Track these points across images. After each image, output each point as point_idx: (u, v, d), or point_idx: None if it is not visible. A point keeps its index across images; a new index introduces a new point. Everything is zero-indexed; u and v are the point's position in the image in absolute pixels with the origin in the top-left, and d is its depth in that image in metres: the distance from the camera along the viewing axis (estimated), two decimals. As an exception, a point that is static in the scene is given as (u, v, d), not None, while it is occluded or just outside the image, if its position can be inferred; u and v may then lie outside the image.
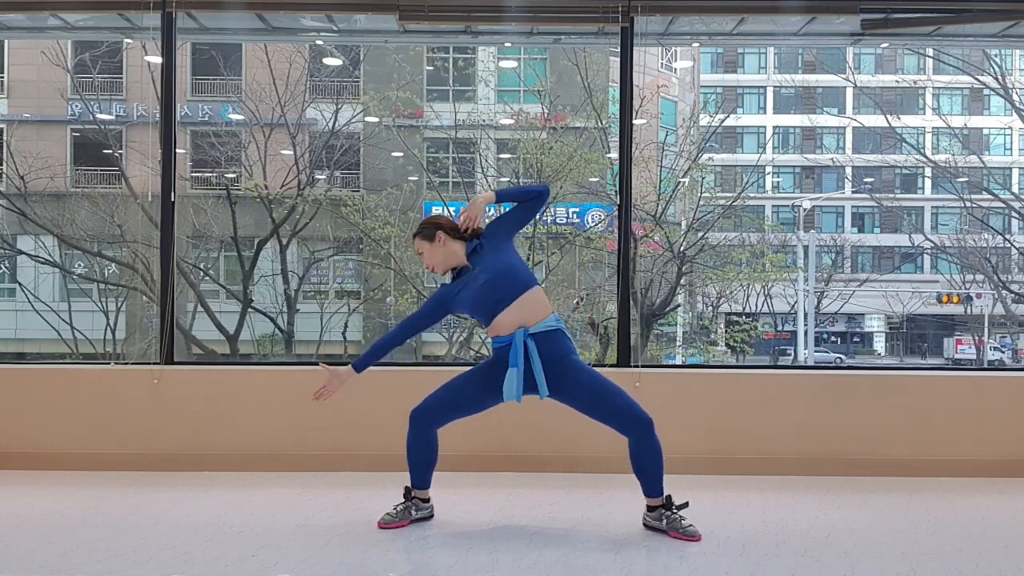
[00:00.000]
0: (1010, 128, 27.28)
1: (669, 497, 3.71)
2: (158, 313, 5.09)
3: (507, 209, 3.87)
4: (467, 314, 3.80)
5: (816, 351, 24.77)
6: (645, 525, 3.78)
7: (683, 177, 16.04)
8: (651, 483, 3.70)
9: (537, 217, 13.53)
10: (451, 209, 14.79)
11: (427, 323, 3.79)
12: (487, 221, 3.87)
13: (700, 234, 16.12)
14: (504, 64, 16.34)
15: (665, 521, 3.68)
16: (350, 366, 3.81)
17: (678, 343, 18.56)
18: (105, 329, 14.56)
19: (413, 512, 3.83)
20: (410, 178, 15.76)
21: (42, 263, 15.14)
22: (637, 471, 3.70)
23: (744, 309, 21.12)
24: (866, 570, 3.32)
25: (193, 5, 5.16)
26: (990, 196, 19.94)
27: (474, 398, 3.76)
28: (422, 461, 3.80)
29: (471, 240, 3.78)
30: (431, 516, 3.88)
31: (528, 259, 14.10)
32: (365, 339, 17.24)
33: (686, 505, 3.73)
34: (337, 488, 4.48)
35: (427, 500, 3.88)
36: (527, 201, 3.81)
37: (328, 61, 15.30)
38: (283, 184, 14.49)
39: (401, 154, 16.00)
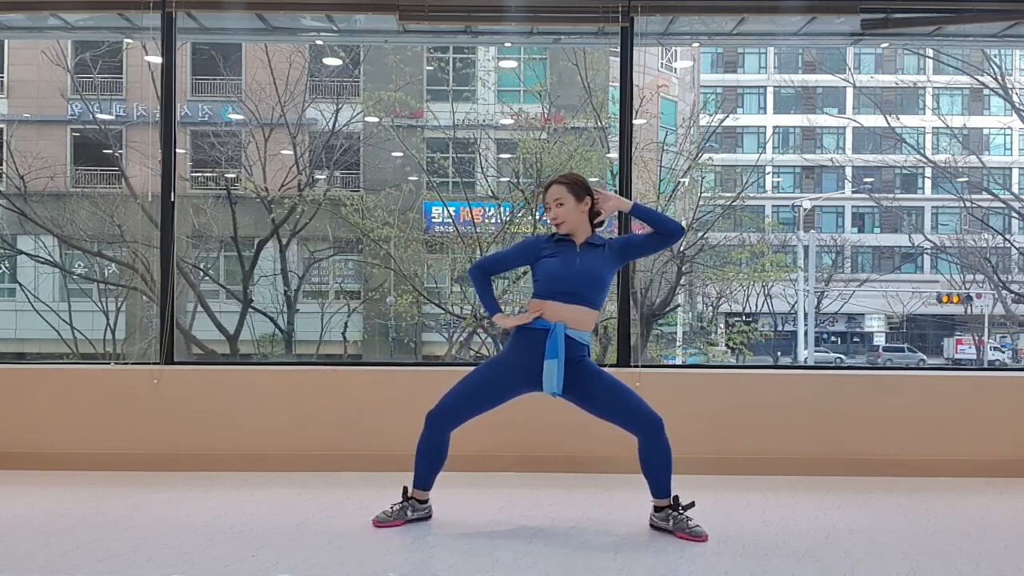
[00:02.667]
0: (1010, 128, 27.29)
1: (676, 498, 3.72)
2: (158, 313, 5.09)
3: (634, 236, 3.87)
4: (537, 276, 3.73)
5: (816, 351, 24.78)
6: (652, 526, 3.78)
7: (683, 177, 16.04)
8: (659, 484, 3.71)
9: (538, 217, 13.65)
10: (451, 209, 14.80)
11: (513, 263, 3.82)
12: (610, 234, 3.88)
13: (700, 234, 16.12)
14: (504, 64, 16.34)
15: (672, 522, 3.69)
16: (492, 316, 3.77)
17: (678, 343, 18.56)
18: (105, 329, 14.56)
19: (409, 512, 3.83)
20: (410, 178, 15.76)
21: (42, 263, 15.15)
22: (645, 471, 3.71)
23: (744, 309, 21.12)
24: (866, 570, 3.32)
25: (193, 5, 5.16)
26: (990, 196, 19.95)
27: (492, 395, 3.74)
28: (431, 463, 3.79)
29: (595, 231, 3.78)
30: (429, 517, 3.88)
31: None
32: (365, 339, 17.25)
33: (692, 505, 3.73)
34: (337, 488, 4.48)
35: (425, 501, 3.87)
36: (659, 234, 3.77)
37: (328, 61, 15.30)
38: (283, 184, 14.50)
39: (401, 154, 16.00)
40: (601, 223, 3.82)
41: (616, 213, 3.85)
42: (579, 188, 3.76)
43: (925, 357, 26.85)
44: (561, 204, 3.73)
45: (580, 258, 3.69)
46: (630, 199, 4.39)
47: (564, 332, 3.63)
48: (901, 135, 21.68)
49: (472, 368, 3.87)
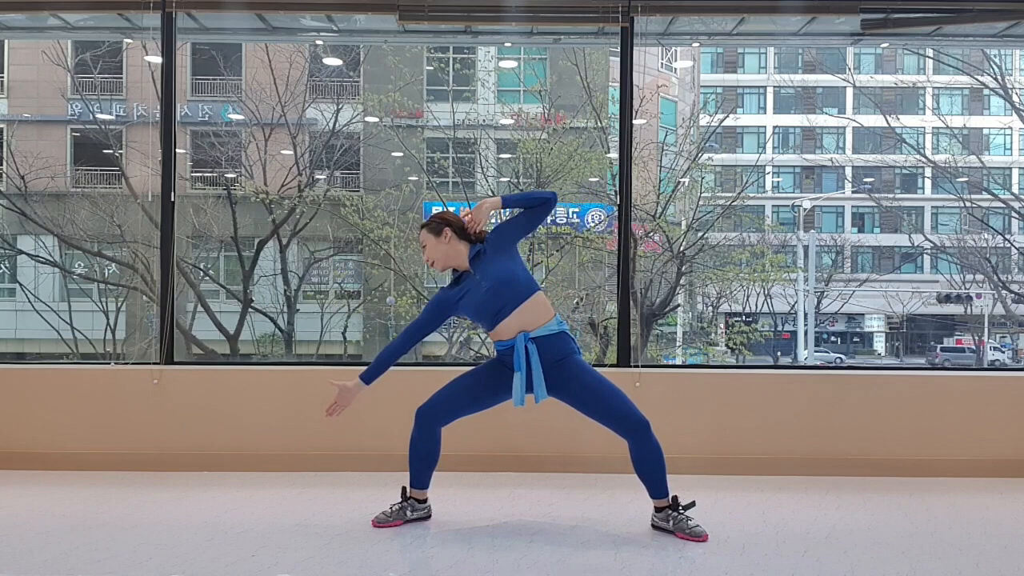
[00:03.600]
0: (1010, 128, 27.27)
1: (675, 498, 3.72)
2: (158, 313, 5.09)
3: (512, 214, 3.85)
4: (469, 319, 3.80)
5: (816, 351, 24.78)
6: (653, 526, 3.78)
7: (683, 177, 16.04)
8: (654, 485, 3.71)
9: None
10: (451, 209, 14.79)
11: (429, 329, 3.77)
12: (492, 225, 3.86)
13: (700, 234, 16.11)
14: (504, 64, 16.34)
15: (672, 522, 3.69)
16: (358, 379, 3.75)
17: (678, 343, 18.55)
18: (105, 329, 14.55)
19: (408, 513, 3.83)
20: (410, 178, 15.76)
21: (42, 263, 15.14)
22: (640, 474, 3.71)
23: (744, 309, 21.12)
24: (866, 570, 3.32)
25: (193, 5, 5.17)
26: (990, 196, 19.93)
27: (482, 395, 3.77)
28: (424, 460, 3.80)
29: (475, 244, 3.75)
30: (428, 516, 3.89)
31: (528, 259, 14.10)
32: (365, 339, 17.24)
33: (692, 505, 3.73)
34: (337, 488, 4.48)
35: (424, 501, 3.88)
36: (534, 207, 3.77)
37: (328, 61, 15.30)
38: (283, 184, 14.50)
39: (401, 154, 16.00)
40: (482, 235, 3.77)
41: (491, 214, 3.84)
42: (436, 225, 3.76)
43: (843, 356, 26.83)
44: (424, 246, 3.78)
45: (479, 277, 3.69)
46: (624, 199, 4.39)
47: (525, 341, 3.63)
48: (901, 135, 21.66)
49: (470, 368, 3.88)
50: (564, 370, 3.67)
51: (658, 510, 3.75)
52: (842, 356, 27.23)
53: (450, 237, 3.74)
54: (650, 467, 3.68)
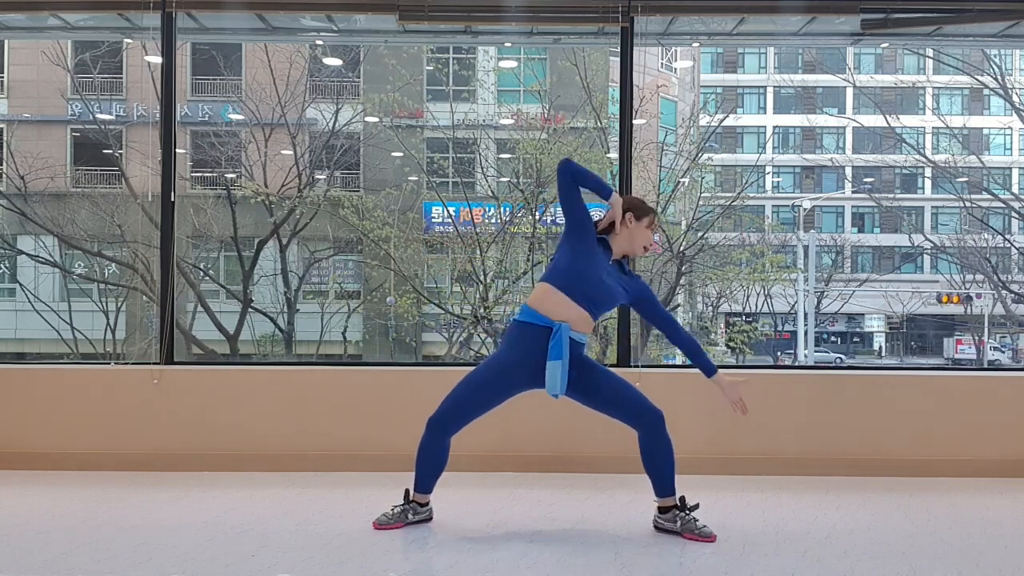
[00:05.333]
0: (1010, 128, 27.29)
1: (683, 498, 3.70)
2: (158, 313, 5.09)
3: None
4: (567, 254, 3.65)
5: (816, 351, 24.78)
6: (657, 527, 3.74)
7: (683, 177, 16.04)
8: (662, 481, 3.68)
9: (537, 217, 13.64)
10: (451, 209, 14.80)
11: (580, 195, 3.71)
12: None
13: (700, 234, 16.11)
14: (504, 64, 16.34)
15: (680, 523, 3.67)
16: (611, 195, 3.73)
17: (678, 343, 18.50)
18: (105, 329, 14.56)
19: (410, 515, 3.81)
20: (410, 178, 15.76)
21: (42, 263, 15.14)
22: (648, 468, 3.68)
23: (744, 309, 21.13)
24: (866, 570, 3.32)
25: (193, 5, 5.16)
26: (990, 196, 19.94)
27: (491, 397, 3.70)
28: (431, 468, 3.78)
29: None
30: (429, 519, 3.87)
31: (528, 259, 14.12)
32: (365, 339, 17.24)
33: (696, 507, 3.71)
34: (337, 488, 4.47)
35: (426, 504, 3.87)
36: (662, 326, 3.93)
37: (328, 61, 15.30)
38: (283, 184, 14.50)
39: (401, 154, 16.00)
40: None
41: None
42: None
43: (843, 356, 26.80)
44: (652, 228, 3.80)
45: (610, 269, 3.69)
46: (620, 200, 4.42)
47: (568, 333, 3.61)
48: (901, 135, 21.67)
49: (471, 369, 3.84)
50: (581, 370, 3.67)
51: (662, 511, 3.72)
52: (842, 356, 27.24)
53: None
54: (660, 462, 3.65)
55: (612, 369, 4.02)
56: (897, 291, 25.63)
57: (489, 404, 3.73)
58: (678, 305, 17.42)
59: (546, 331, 3.61)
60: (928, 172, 24.33)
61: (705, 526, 3.65)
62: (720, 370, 3.80)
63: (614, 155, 12.86)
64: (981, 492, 4.50)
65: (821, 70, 26.80)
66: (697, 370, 3.81)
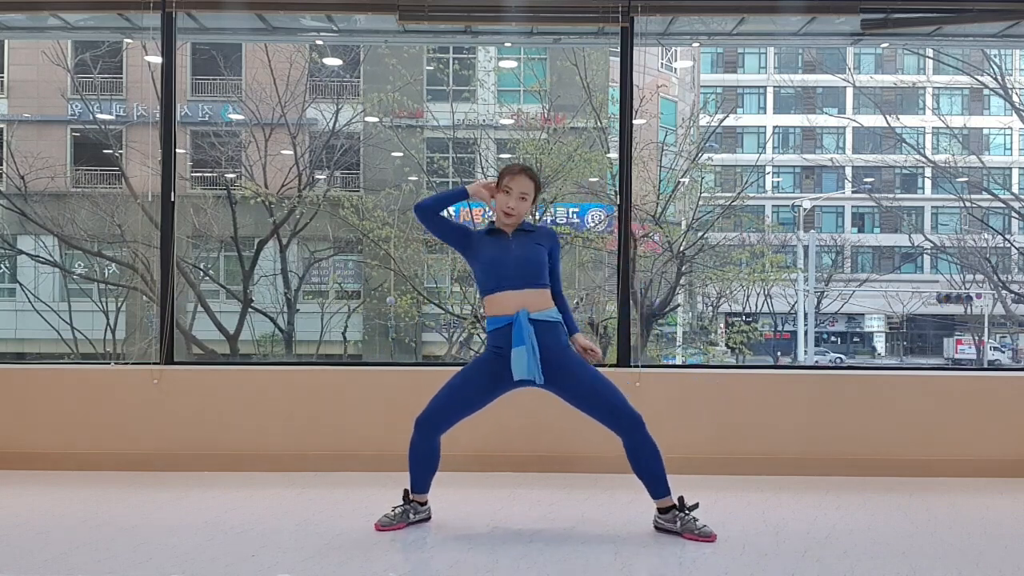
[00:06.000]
0: (1010, 128, 27.27)
1: (682, 499, 3.70)
2: (158, 313, 5.09)
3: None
4: (476, 268, 3.76)
5: (816, 351, 24.76)
6: (657, 528, 3.74)
7: (683, 177, 16.04)
8: (655, 484, 3.68)
9: (537, 217, 13.61)
10: (451, 209, 14.77)
11: (448, 227, 3.82)
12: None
13: (700, 234, 16.11)
14: (504, 64, 16.34)
15: (679, 523, 3.66)
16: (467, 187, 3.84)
17: (678, 343, 18.55)
18: (105, 329, 14.55)
19: (411, 515, 3.82)
20: (410, 178, 15.76)
21: (42, 263, 15.14)
22: (637, 472, 3.69)
23: (744, 309, 21.12)
24: (866, 570, 3.32)
25: (193, 5, 5.16)
26: (990, 196, 19.93)
27: (475, 395, 3.72)
28: (424, 467, 3.79)
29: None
30: (429, 518, 3.88)
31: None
32: (365, 339, 17.24)
33: (696, 506, 3.71)
34: (337, 488, 4.47)
35: (424, 503, 3.87)
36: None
37: (328, 61, 15.30)
38: (283, 184, 14.50)
39: (401, 154, 16.00)
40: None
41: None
42: (538, 191, 3.80)
43: (843, 356, 26.77)
44: (524, 200, 3.74)
45: (514, 244, 3.72)
46: (624, 199, 4.40)
47: (527, 317, 3.61)
48: (901, 135, 21.66)
49: (459, 369, 3.85)
50: (562, 362, 3.66)
51: (662, 511, 3.72)
52: (842, 356, 27.22)
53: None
54: (647, 464, 3.65)
55: (612, 370, 4.02)
56: (897, 291, 25.62)
57: (472, 403, 3.74)
58: (678, 305, 17.42)
59: (509, 326, 3.65)
60: (928, 172, 24.32)
61: (705, 526, 3.65)
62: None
63: (614, 155, 12.87)
64: (981, 492, 4.50)
65: (821, 70, 26.79)
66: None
